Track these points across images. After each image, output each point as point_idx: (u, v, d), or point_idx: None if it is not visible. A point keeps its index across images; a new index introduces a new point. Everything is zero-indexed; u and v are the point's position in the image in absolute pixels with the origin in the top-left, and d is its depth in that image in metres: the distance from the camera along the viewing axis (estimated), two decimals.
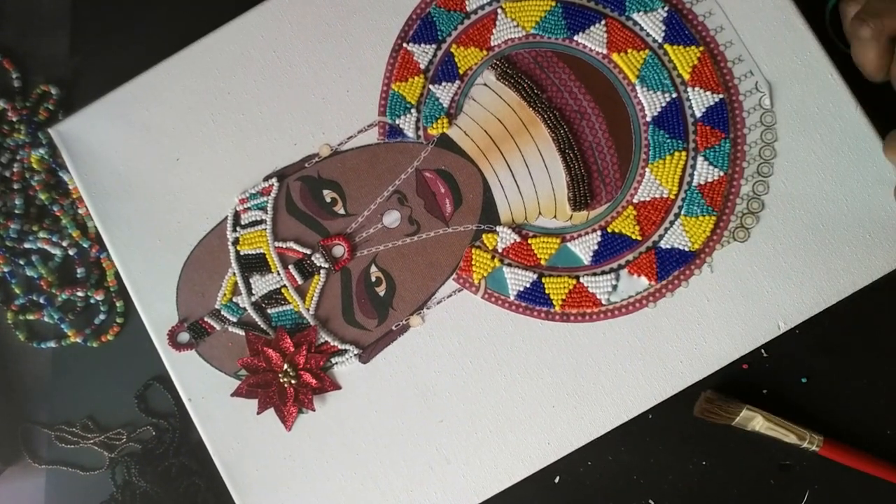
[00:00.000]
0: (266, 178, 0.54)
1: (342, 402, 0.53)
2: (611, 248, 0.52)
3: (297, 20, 0.55)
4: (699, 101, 0.52)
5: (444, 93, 0.54)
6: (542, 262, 0.52)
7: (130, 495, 0.54)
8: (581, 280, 0.52)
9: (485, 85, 0.54)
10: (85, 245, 0.57)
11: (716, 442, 0.53)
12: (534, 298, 0.52)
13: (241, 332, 0.53)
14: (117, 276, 0.56)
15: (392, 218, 0.53)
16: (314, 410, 0.52)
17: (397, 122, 0.54)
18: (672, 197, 0.52)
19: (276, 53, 0.55)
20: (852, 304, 0.50)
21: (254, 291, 0.53)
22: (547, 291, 0.52)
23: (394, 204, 0.53)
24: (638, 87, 0.53)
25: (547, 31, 0.53)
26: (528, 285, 0.52)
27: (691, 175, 0.52)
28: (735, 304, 0.51)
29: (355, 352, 0.53)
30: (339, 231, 0.54)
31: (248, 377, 0.52)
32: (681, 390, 0.51)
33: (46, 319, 0.57)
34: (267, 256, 0.54)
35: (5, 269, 0.56)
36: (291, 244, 0.54)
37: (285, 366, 0.52)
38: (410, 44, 0.54)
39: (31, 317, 0.57)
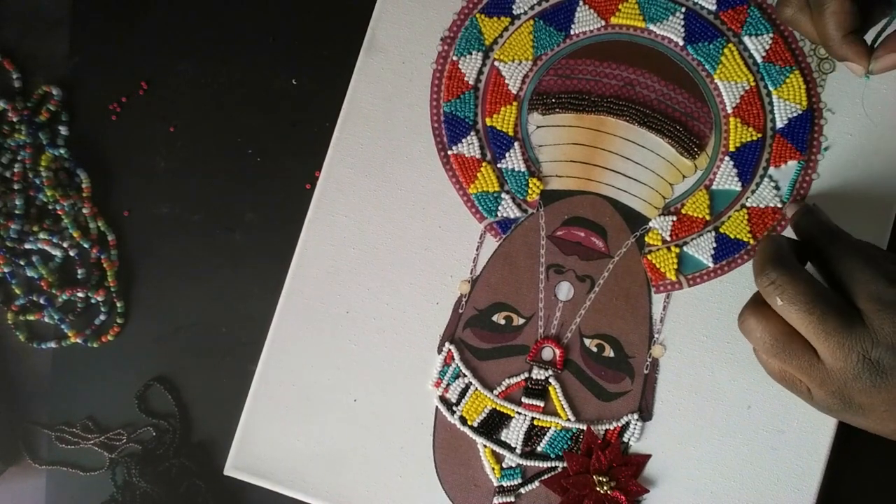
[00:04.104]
0: (439, 350, 0.52)
1: (663, 457, 0.51)
2: (727, 249, 0.52)
3: (348, 209, 0.53)
4: None
5: (514, 161, 0.53)
6: (708, 217, 0.52)
7: (130, 496, 0.53)
8: (748, 204, 0.52)
9: (538, 127, 0.53)
10: (86, 246, 0.56)
11: None
12: (729, 249, 0.52)
13: (536, 485, 0.51)
14: (117, 276, 0.55)
15: (565, 290, 0.52)
16: (647, 491, 0.51)
17: (499, 214, 0.52)
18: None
19: (356, 250, 0.53)
20: None
21: (514, 445, 0.51)
22: (733, 236, 0.52)
23: (556, 278, 0.52)
24: (651, 26, 0.53)
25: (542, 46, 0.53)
26: (714, 244, 0.52)
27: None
28: None
29: (635, 418, 0.51)
30: (534, 338, 0.52)
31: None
32: None
33: (47, 320, 0.56)
34: (498, 409, 0.51)
35: (6, 270, 0.56)
36: (507, 381, 0.52)
37: (595, 478, 0.50)
38: (453, 147, 0.53)
39: (31, 317, 0.56)
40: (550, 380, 0.51)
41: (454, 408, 0.52)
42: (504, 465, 0.51)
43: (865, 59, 0.42)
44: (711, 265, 0.52)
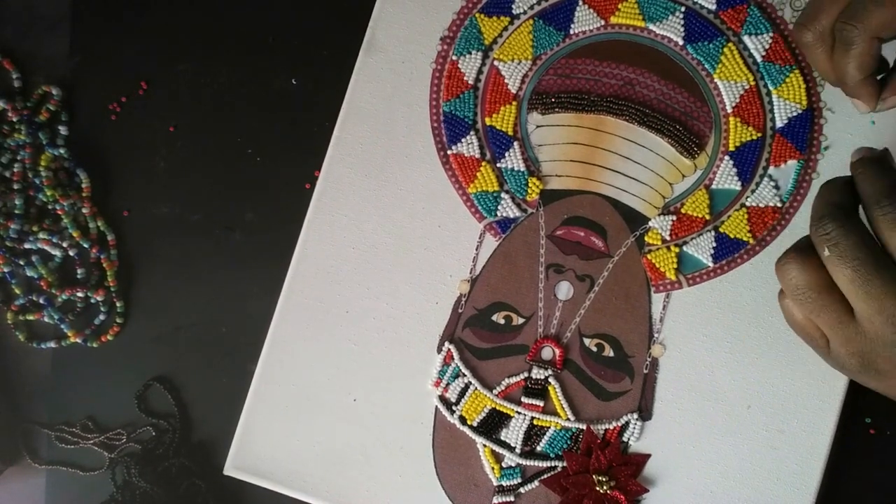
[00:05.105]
0: (439, 349, 0.52)
1: (663, 456, 0.51)
2: (727, 248, 0.52)
3: (347, 208, 0.53)
4: None
5: (513, 161, 0.53)
6: (708, 217, 0.52)
7: (130, 496, 0.53)
8: (747, 203, 0.52)
9: (538, 126, 0.53)
10: (85, 245, 0.56)
11: None
12: (729, 249, 0.52)
13: (536, 485, 0.51)
14: (117, 275, 0.56)
15: (564, 289, 0.52)
16: (647, 491, 0.51)
17: (499, 214, 0.52)
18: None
19: (356, 249, 0.53)
20: None
21: (513, 445, 0.51)
22: (733, 235, 0.52)
23: (556, 278, 0.52)
24: (650, 26, 0.53)
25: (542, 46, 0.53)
26: (714, 244, 0.52)
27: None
28: None
29: (634, 417, 0.51)
30: (533, 338, 0.52)
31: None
32: None
33: (46, 320, 0.56)
34: (497, 408, 0.51)
35: (5, 270, 0.56)
36: (507, 381, 0.52)
37: (595, 477, 0.50)
38: (453, 147, 0.53)
39: (31, 317, 0.56)
40: (550, 379, 0.51)
41: (454, 407, 0.52)
42: (504, 465, 0.51)
43: (875, 100, 0.42)
44: (711, 265, 0.52)
